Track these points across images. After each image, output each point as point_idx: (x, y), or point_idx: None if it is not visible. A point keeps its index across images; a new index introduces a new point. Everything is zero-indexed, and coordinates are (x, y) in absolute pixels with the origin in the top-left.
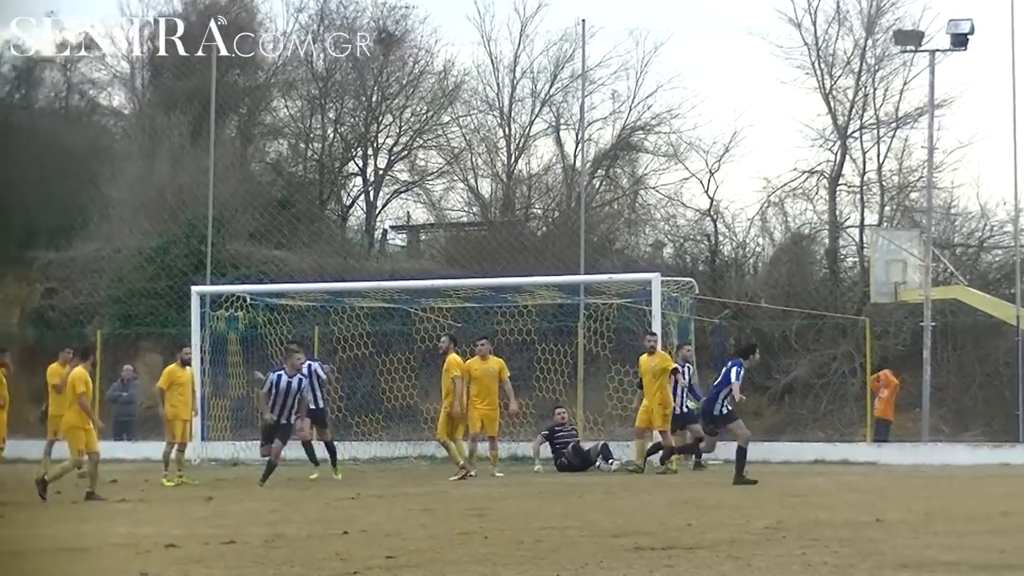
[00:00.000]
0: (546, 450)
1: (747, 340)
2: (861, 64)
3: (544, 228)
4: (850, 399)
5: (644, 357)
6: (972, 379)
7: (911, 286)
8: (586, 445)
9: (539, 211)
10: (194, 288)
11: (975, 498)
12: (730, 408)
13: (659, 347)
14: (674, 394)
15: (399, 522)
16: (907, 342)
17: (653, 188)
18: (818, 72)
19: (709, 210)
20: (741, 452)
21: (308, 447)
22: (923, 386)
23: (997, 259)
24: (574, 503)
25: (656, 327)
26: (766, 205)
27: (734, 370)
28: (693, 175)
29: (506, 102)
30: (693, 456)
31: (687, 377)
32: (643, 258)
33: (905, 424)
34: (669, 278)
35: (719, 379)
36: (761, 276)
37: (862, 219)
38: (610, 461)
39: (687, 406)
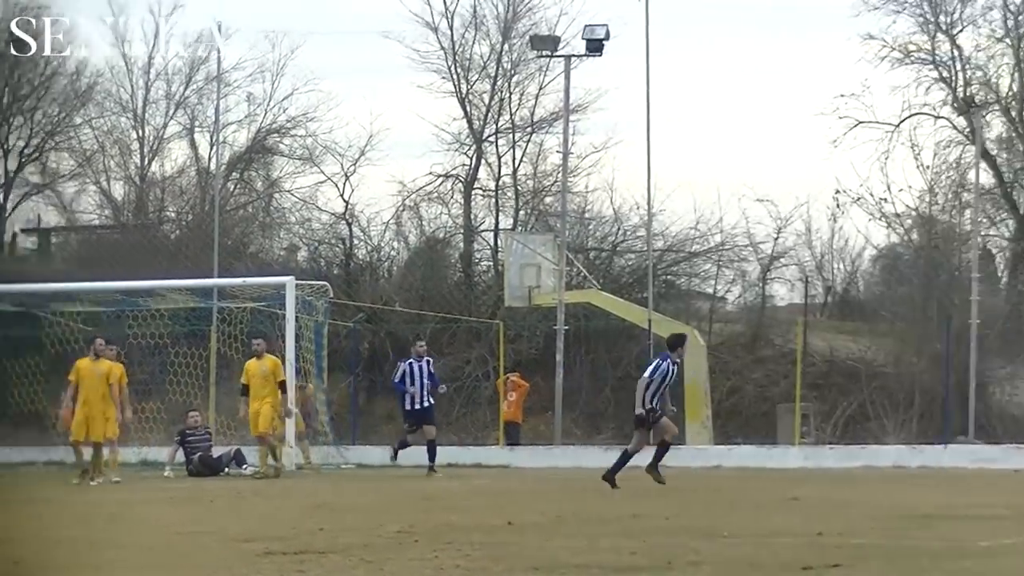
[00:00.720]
0: (181, 454)
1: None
2: (497, 69)
3: (178, 231)
4: (483, 402)
5: (252, 362)
6: (604, 382)
7: (545, 290)
8: (219, 451)
9: (173, 214)
10: None
11: (606, 500)
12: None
13: (266, 351)
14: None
15: (26, 529)
16: (540, 346)
17: (288, 191)
18: (454, 76)
19: (344, 213)
20: (664, 447)
21: None
22: (556, 389)
23: (630, 263)
24: (205, 508)
25: (290, 331)
26: (401, 209)
27: (652, 365)
28: (328, 178)
29: (140, 104)
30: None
31: (427, 370)
32: (277, 261)
33: (538, 427)
34: (303, 281)
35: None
36: (396, 280)
37: (496, 223)
38: (243, 466)
39: (429, 400)
